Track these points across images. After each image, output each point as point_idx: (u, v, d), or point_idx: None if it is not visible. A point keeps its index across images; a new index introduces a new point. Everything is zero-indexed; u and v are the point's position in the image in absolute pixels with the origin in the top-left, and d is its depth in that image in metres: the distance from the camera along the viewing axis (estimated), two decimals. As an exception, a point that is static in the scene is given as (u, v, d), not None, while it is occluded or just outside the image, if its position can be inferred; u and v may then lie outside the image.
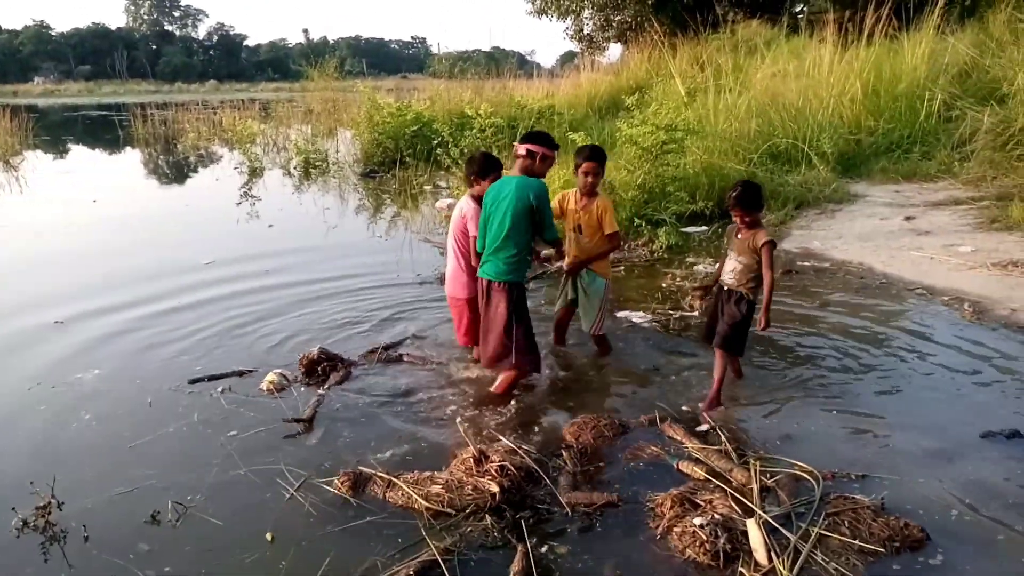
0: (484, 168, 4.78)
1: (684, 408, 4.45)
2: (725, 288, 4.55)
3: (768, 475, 3.57)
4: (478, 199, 4.74)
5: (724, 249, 4.70)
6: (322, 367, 4.95)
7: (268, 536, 3.19)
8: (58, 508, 3.38)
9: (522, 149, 4.59)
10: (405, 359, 5.22)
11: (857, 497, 3.38)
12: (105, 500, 3.55)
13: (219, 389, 4.77)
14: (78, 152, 23.68)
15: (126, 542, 3.21)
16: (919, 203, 9.31)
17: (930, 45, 12.46)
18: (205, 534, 3.27)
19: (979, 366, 4.95)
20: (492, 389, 4.71)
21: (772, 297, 4.36)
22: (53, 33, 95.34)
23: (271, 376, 4.83)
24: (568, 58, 33.69)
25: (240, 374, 5.03)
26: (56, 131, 30.64)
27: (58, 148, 23.80)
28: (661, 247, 8.09)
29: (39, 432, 4.29)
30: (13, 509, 3.38)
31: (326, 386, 4.76)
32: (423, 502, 3.39)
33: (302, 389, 4.77)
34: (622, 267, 7.64)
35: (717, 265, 4.77)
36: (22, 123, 21.70)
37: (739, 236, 4.49)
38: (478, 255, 4.65)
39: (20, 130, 21.47)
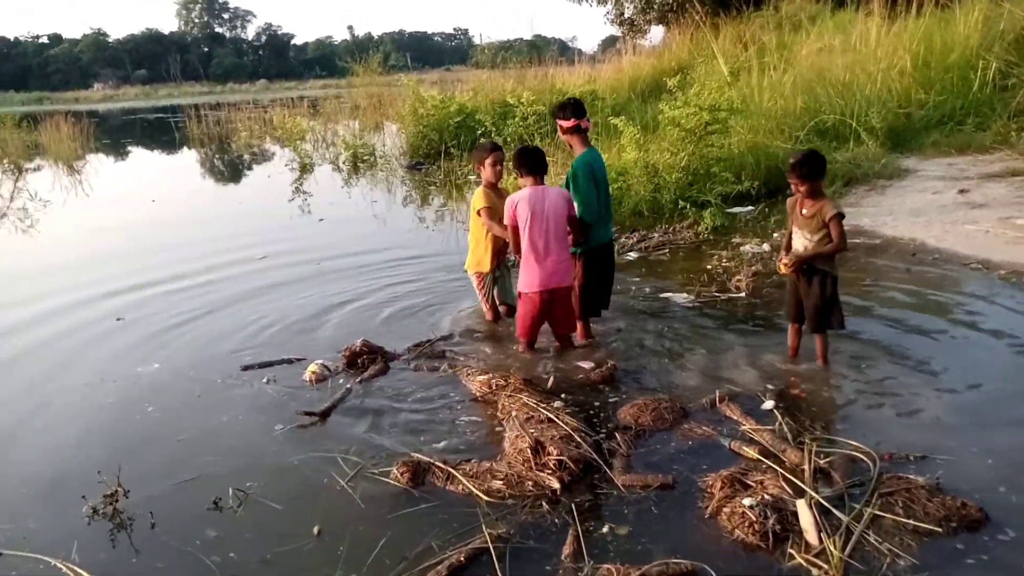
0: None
1: (740, 388, 4.42)
2: (804, 267, 4.46)
3: (823, 456, 3.55)
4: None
5: (787, 225, 4.61)
6: (362, 359, 5.04)
7: (315, 530, 3.27)
8: (125, 496, 3.53)
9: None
10: (448, 356, 5.20)
11: (911, 477, 3.34)
12: (169, 488, 3.70)
13: (264, 380, 4.91)
14: (137, 154, 24.42)
15: (191, 528, 3.34)
16: (973, 176, 9.05)
17: (984, 12, 12.04)
18: (265, 520, 3.39)
19: (1040, 341, 4.83)
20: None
21: (827, 256, 4.34)
22: (110, 40, 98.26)
23: (313, 367, 4.96)
24: (610, 43, 33.39)
25: (290, 362, 5.19)
26: (116, 135, 31.59)
27: (118, 151, 24.56)
28: (707, 229, 8.04)
29: (107, 424, 4.48)
30: (83, 497, 3.55)
31: (358, 379, 4.83)
32: (484, 496, 3.44)
33: (339, 380, 4.86)
34: (667, 250, 7.62)
35: (784, 240, 4.70)
36: (84, 128, 22.47)
37: (803, 212, 4.39)
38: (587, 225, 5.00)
39: (82, 135, 22.23)
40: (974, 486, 3.32)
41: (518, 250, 4.88)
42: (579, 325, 5.24)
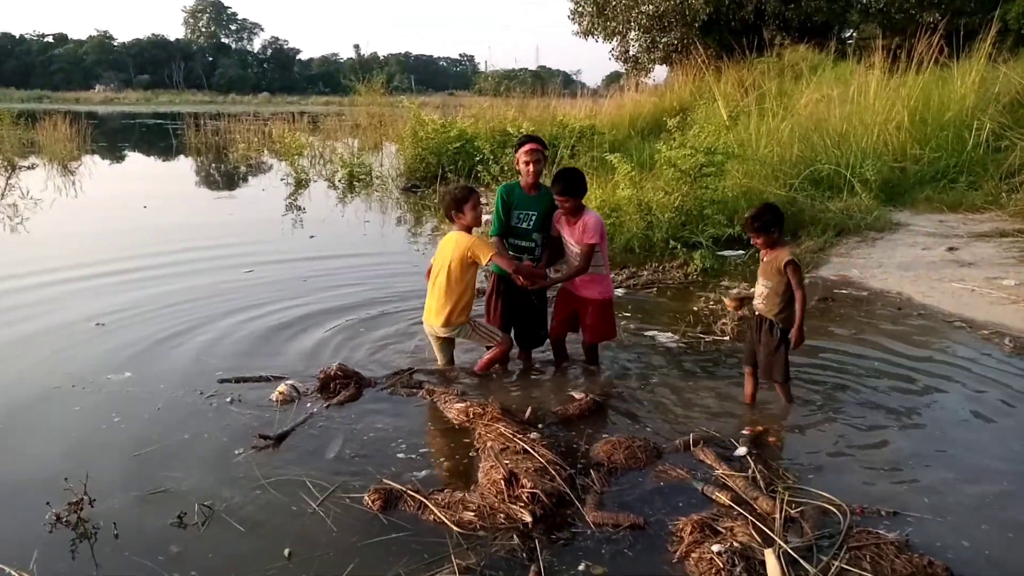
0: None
1: (716, 434, 4.40)
2: (757, 314, 4.59)
3: (794, 506, 3.54)
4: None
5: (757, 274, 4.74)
6: (335, 384, 4.97)
7: (286, 552, 3.22)
8: (90, 505, 3.48)
9: None
10: (425, 387, 5.06)
11: (881, 532, 3.33)
12: (134, 500, 3.64)
13: (228, 399, 4.83)
14: (133, 158, 24.45)
15: (154, 542, 3.28)
16: (963, 234, 9.15)
17: (981, 73, 12.27)
18: (231, 540, 3.33)
19: (1019, 402, 4.85)
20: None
21: (804, 314, 4.41)
22: (115, 43, 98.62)
23: (281, 387, 4.90)
24: (613, 78, 33.83)
25: (267, 379, 5.14)
26: (113, 137, 31.64)
27: (114, 154, 24.60)
28: (696, 270, 8.08)
29: (71, 432, 4.41)
30: (48, 504, 3.49)
31: (326, 404, 4.77)
32: (455, 527, 3.40)
33: (307, 404, 4.79)
34: (655, 288, 7.65)
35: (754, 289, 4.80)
36: (81, 129, 22.48)
37: (764, 259, 4.55)
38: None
39: (79, 136, 22.24)
40: (943, 544, 3.31)
41: (586, 268, 5.07)
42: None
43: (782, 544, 3.20)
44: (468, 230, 5.11)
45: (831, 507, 3.54)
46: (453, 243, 5.05)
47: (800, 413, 4.74)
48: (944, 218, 9.98)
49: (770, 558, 3.09)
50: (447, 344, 5.37)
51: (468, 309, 5.19)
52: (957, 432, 4.50)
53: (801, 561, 3.11)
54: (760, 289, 4.57)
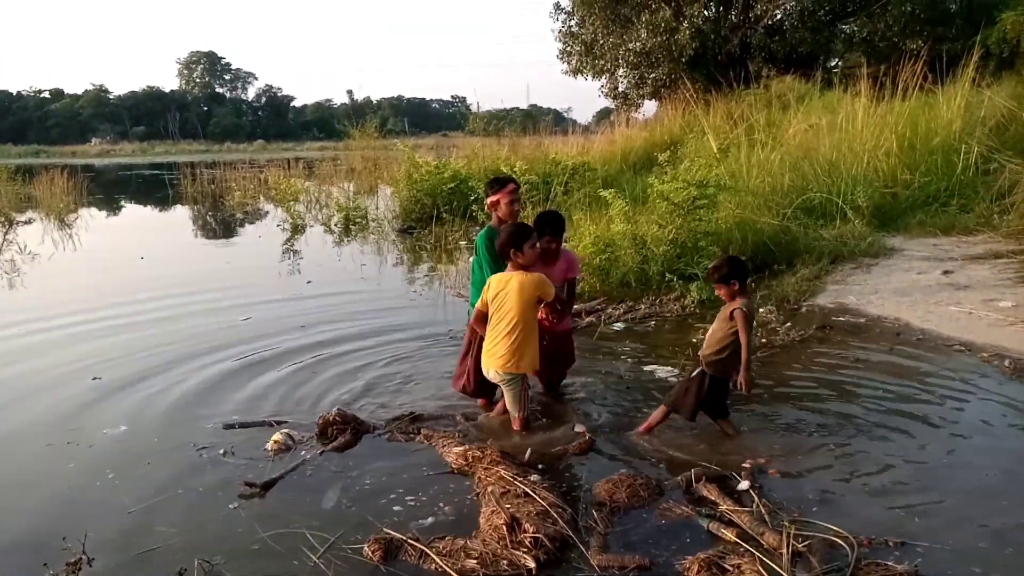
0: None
1: (717, 469, 4.35)
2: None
3: (801, 539, 3.49)
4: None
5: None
6: (333, 429, 4.93)
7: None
8: (88, 565, 3.43)
9: None
10: (422, 431, 5.00)
11: (889, 564, 3.29)
12: (132, 558, 3.59)
13: (220, 451, 4.79)
14: (130, 210, 24.56)
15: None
16: (957, 257, 9.18)
17: (966, 98, 12.42)
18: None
19: (1022, 424, 4.83)
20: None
21: (749, 360, 4.58)
22: (111, 96, 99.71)
23: (277, 436, 4.86)
24: (604, 114, 34.13)
25: (270, 425, 5.13)
26: (110, 189, 31.82)
27: (111, 206, 24.70)
28: (693, 302, 8.08)
29: (66, 490, 4.36)
30: (45, 565, 3.44)
31: (320, 451, 4.73)
32: (457, 576, 3.36)
33: (302, 452, 4.74)
34: (652, 322, 7.64)
35: None
36: (78, 183, 22.63)
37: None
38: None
39: (76, 189, 22.38)
40: (954, 573, 3.28)
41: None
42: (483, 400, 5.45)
43: (790, 580, 3.16)
44: (525, 269, 4.83)
45: (838, 539, 3.50)
46: (519, 284, 4.74)
47: (802, 443, 4.71)
48: (938, 242, 10.02)
49: (779, 595, 3.05)
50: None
51: (533, 357, 4.91)
52: (962, 457, 4.47)
53: (810, 597, 3.08)
54: (712, 328, 4.81)
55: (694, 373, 4.78)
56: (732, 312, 4.57)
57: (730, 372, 4.67)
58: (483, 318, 4.97)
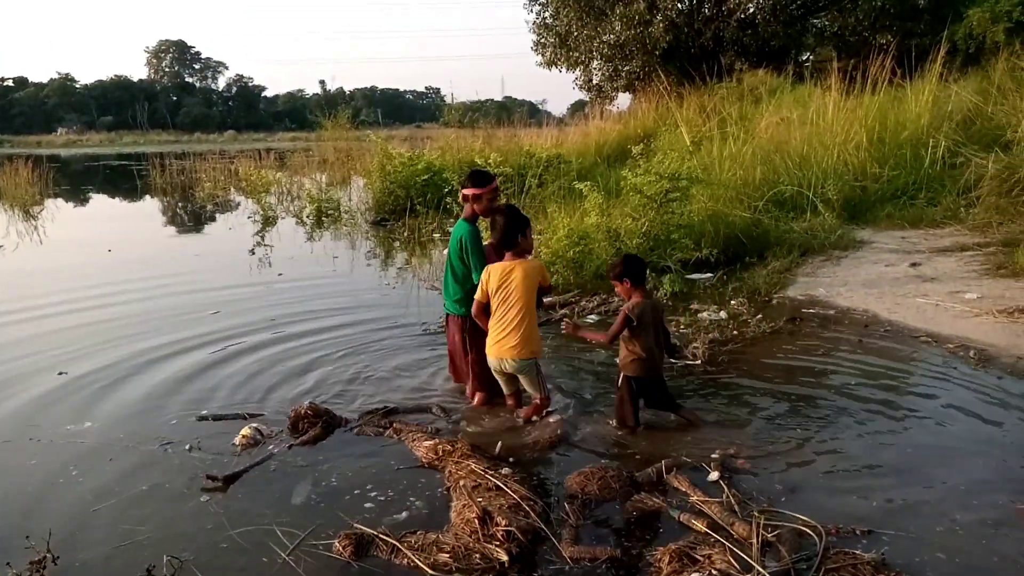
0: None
1: (687, 460, 4.39)
2: None
3: (770, 529, 3.53)
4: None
5: None
6: (304, 423, 4.90)
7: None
8: (53, 563, 3.37)
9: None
10: (392, 425, 4.96)
11: (857, 552, 3.34)
12: (98, 555, 3.54)
13: (186, 447, 4.73)
14: (97, 201, 24.15)
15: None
16: (925, 249, 9.31)
17: (933, 93, 12.60)
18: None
19: (986, 414, 4.91)
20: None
21: (592, 338, 5.18)
22: (77, 86, 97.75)
23: (245, 430, 4.81)
24: (578, 107, 34.19)
25: (244, 417, 5.10)
26: (77, 180, 31.29)
27: (78, 197, 24.27)
28: (666, 294, 8.12)
29: (29, 488, 4.28)
30: (8, 564, 3.38)
31: (289, 445, 4.70)
32: (429, 570, 3.33)
33: (270, 446, 4.71)
34: (627, 315, 7.66)
35: None
36: (43, 173, 22.19)
37: None
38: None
39: (41, 180, 21.95)
40: (920, 560, 3.33)
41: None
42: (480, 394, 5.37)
43: (760, 570, 3.19)
44: (524, 256, 4.95)
45: (806, 529, 3.54)
46: (523, 272, 4.81)
47: (770, 433, 4.75)
48: (906, 234, 10.15)
49: (748, 585, 3.08)
50: (515, 378, 5.11)
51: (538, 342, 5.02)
52: (927, 447, 4.54)
53: (778, 586, 3.10)
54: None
55: (619, 383, 4.87)
56: (621, 311, 4.74)
57: (647, 369, 4.77)
58: (484, 310, 4.98)
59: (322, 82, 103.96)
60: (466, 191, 5.17)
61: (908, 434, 4.73)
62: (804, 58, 23.70)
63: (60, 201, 22.02)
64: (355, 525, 3.66)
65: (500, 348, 4.88)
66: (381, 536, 3.55)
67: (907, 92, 13.04)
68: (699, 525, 3.63)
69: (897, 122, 12.38)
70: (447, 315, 5.46)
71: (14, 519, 3.91)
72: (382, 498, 4.08)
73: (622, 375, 4.84)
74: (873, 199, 11.35)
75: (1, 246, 13.19)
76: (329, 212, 16.28)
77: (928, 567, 3.29)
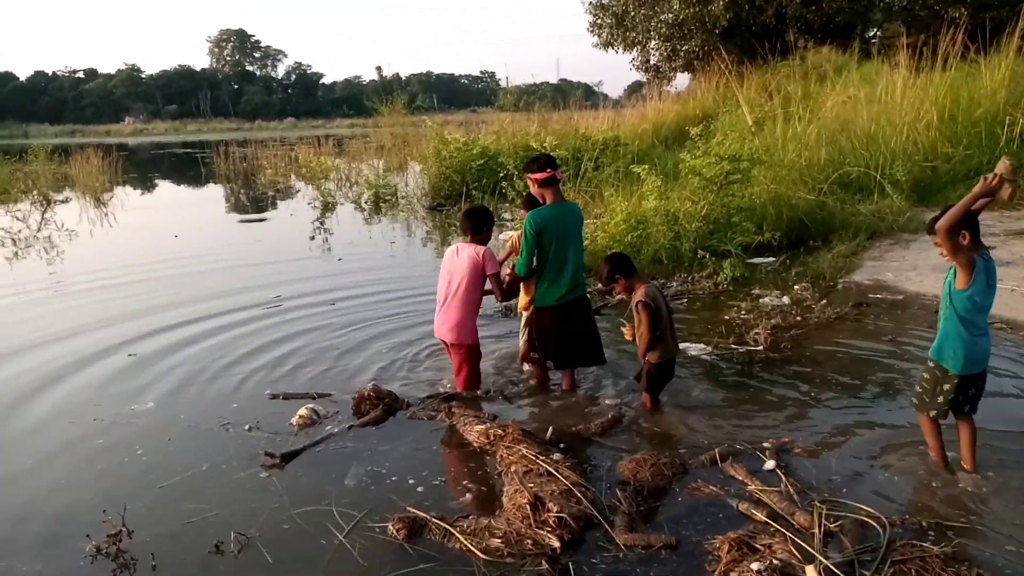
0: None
1: (746, 445, 4.31)
2: None
3: (832, 520, 3.44)
4: None
5: None
6: (366, 405, 4.97)
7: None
8: (128, 536, 3.49)
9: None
10: (444, 409, 4.98)
11: (926, 545, 3.22)
12: (167, 530, 3.65)
13: (246, 427, 4.83)
14: (163, 188, 24.86)
15: (191, 574, 3.31)
16: (1000, 232, 8.93)
17: (1010, 68, 12.02)
18: (262, 573, 3.31)
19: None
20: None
21: (648, 350, 4.71)
22: (143, 75, 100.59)
23: (302, 411, 4.91)
24: (635, 88, 33.73)
25: (313, 397, 5.22)
26: (144, 168, 32.24)
27: (145, 184, 25.01)
28: (726, 279, 7.96)
29: (98, 465, 4.43)
30: (88, 536, 3.51)
31: (348, 427, 4.76)
32: (481, 555, 3.34)
33: (327, 426, 4.78)
34: (684, 299, 7.54)
35: None
36: (112, 162, 22.91)
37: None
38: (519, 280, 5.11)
39: (111, 168, 22.67)
40: (992, 553, 3.21)
41: None
42: (537, 369, 5.47)
43: (823, 560, 3.11)
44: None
45: (869, 520, 3.43)
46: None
47: (831, 422, 4.64)
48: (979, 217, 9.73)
49: (811, 575, 3.00)
50: None
51: None
52: (998, 438, 4.34)
53: (843, 577, 3.02)
54: (629, 328, 4.89)
55: (643, 375, 4.86)
56: (636, 305, 4.65)
57: (669, 350, 4.78)
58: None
59: (378, 68, 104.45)
60: (540, 175, 5.01)
61: (978, 425, 4.52)
62: (871, 34, 22.86)
63: (128, 188, 22.70)
64: (408, 508, 3.69)
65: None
66: (434, 520, 3.57)
67: (981, 68, 12.47)
68: (758, 514, 3.55)
69: (971, 99, 11.87)
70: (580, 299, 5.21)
71: (84, 495, 4.05)
72: (435, 482, 4.11)
73: (646, 366, 4.79)
74: (944, 180, 10.93)
75: (75, 232, 13.66)
76: (386, 198, 16.43)
77: (1000, 561, 3.16)
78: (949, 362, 3.81)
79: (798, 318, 6.64)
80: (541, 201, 5.10)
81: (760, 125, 13.11)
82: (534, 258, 4.99)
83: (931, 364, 3.92)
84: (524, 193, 5.88)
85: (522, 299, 5.45)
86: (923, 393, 3.93)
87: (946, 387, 3.82)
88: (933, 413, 3.91)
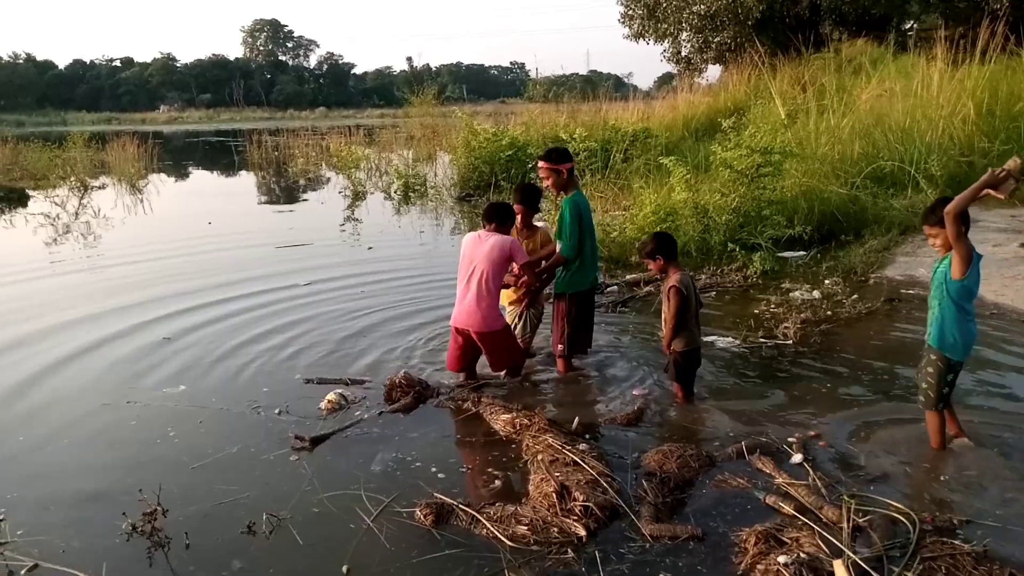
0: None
1: (773, 439, 4.29)
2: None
3: (861, 514, 3.42)
4: None
5: None
6: (397, 392, 5.01)
7: (344, 569, 3.23)
8: (163, 515, 3.57)
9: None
10: (471, 397, 5.00)
11: (956, 543, 3.19)
12: (200, 511, 3.72)
13: (276, 411, 4.90)
14: (197, 176, 25.18)
15: (222, 554, 3.37)
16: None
17: (1052, 61, 11.78)
18: (291, 554, 3.37)
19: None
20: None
21: (673, 336, 4.69)
22: (178, 64, 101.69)
23: (331, 395, 4.97)
24: (666, 80, 33.53)
25: (346, 383, 5.28)
26: (178, 156, 32.67)
27: (180, 172, 25.36)
28: (756, 272, 7.91)
29: (132, 447, 4.52)
30: (124, 514, 3.59)
31: (379, 413, 4.81)
32: (508, 542, 3.36)
33: (356, 412, 4.84)
34: (713, 292, 7.51)
35: None
36: (148, 149, 23.26)
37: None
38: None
39: (146, 155, 23.01)
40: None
41: None
42: (560, 361, 5.45)
43: (851, 555, 3.09)
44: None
45: (899, 515, 3.41)
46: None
47: (858, 416, 4.60)
48: (1016, 213, 9.59)
49: (839, 569, 2.98)
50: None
51: None
52: (1030, 435, 4.29)
53: (871, 572, 3.00)
54: (663, 309, 4.82)
55: (672, 365, 4.83)
56: (669, 290, 4.64)
57: (695, 339, 4.77)
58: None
59: (409, 59, 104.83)
60: (560, 167, 5.21)
61: (1008, 421, 4.48)
62: (908, 26, 22.48)
63: (163, 176, 23.02)
64: (435, 495, 3.73)
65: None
66: (461, 507, 3.60)
67: (1021, 61, 12.23)
68: (788, 508, 3.54)
69: (1011, 93, 11.65)
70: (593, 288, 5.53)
71: (119, 475, 4.14)
72: (461, 468, 4.15)
73: (672, 356, 4.77)
74: (980, 175, 10.70)
75: (111, 218, 13.90)
76: (416, 187, 16.50)
77: (1034, 560, 3.11)
78: (951, 350, 3.89)
79: (828, 313, 6.58)
80: (560, 192, 5.32)
81: (792, 118, 12.96)
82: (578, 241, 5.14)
83: (933, 356, 3.96)
84: (525, 184, 5.97)
85: (510, 294, 5.53)
86: (929, 388, 3.97)
87: (950, 377, 3.92)
88: (941, 405, 3.97)
